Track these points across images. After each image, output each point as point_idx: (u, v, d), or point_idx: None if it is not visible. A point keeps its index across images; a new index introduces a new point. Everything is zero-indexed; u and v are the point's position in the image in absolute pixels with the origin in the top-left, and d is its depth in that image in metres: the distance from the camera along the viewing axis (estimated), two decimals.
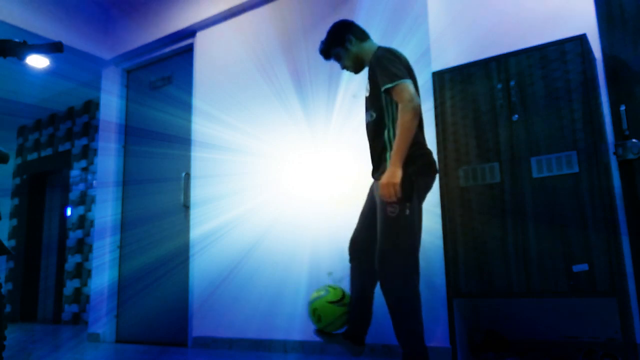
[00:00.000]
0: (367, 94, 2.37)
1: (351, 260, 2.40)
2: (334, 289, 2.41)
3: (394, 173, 2.10)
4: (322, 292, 2.39)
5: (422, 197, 2.25)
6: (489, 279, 2.33)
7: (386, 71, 2.19)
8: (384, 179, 2.11)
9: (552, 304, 2.54)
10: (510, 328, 2.62)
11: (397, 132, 2.13)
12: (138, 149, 4.37)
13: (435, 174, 2.30)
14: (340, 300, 2.37)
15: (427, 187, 2.28)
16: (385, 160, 2.23)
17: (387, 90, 2.17)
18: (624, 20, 2.60)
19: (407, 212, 2.12)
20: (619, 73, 2.57)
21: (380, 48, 2.35)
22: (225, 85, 3.77)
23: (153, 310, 3.96)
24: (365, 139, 2.40)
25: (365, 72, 2.44)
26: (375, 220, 2.24)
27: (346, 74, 3.06)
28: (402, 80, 2.14)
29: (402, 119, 2.11)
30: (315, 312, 2.36)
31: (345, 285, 2.97)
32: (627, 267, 2.37)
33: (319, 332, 2.41)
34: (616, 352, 2.25)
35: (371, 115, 2.33)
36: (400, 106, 2.13)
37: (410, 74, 2.28)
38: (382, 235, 2.14)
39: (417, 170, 2.17)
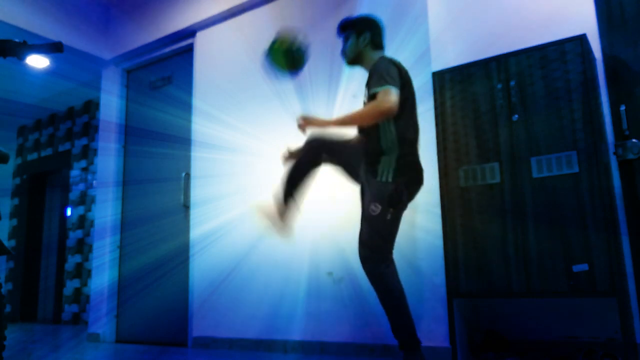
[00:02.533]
0: (365, 100, 2.39)
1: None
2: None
3: (325, 122, 2.36)
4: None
5: (405, 206, 2.31)
6: (489, 279, 2.33)
7: (379, 76, 2.21)
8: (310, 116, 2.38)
9: (552, 304, 2.54)
10: (510, 328, 2.62)
11: (358, 111, 2.24)
12: (138, 149, 4.37)
13: (421, 184, 2.35)
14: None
15: (412, 196, 2.34)
16: (378, 162, 2.25)
17: (374, 95, 2.18)
18: (624, 20, 2.60)
19: (388, 216, 2.21)
20: (619, 73, 2.57)
21: (383, 57, 2.35)
22: (225, 85, 3.77)
23: (153, 310, 3.96)
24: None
25: (365, 74, 2.44)
26: None
27: (346, 73, 3.06)
28: (389, 86, 2.15)
29: (369, 108, 2.18)
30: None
31: (345, 286, 2.99)
32: (627, 267, 2.37)
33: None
34: (616, 352, 2.25)
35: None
36: (377, 101, 2.15)
37: (406, 85, 2.28)
38: (361, 228, 2.28)
39: (407, 181, 2.24)
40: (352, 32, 2.46)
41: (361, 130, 2.40)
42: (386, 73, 2.20)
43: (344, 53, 2.50)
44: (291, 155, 2.57)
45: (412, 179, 2.29)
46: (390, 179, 2.21)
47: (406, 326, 2.21)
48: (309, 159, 2.48)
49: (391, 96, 2.12)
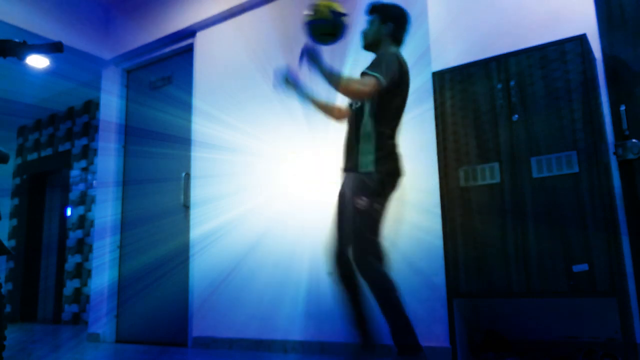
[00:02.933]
0: None
1: (333, 273, 2.40)
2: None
3: (322, 67, 2.25)
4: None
5: (389, 194, 2.30)
6: (489, 279, 2.33)
7: (378, 63, 2.25)
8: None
9: (552, 304, 2.54)
10: (510, 328, 2.62)
11: (343, 78, 2.23)
12: (138, 149, 4.37)
13: (402, 175, 2.35)
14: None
15: (395, 187, 2.33)
16: (357, 152, 2.27)
17: (363, 75, 2.22)
18: (624, 20, 2.60)
19: (376, 206, 2.20)
20: (619, 73, 2.57)
21: (394, 52, 2.35)
22: (225, 85, 3.77)
23: (153, 310, 3.96)
24: None
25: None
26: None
27: (346, 73, 3.05)
28: (379, 76, 2.17)
29: (351, 82, 2.21)
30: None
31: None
32: (627, 267, 2.37)
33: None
34: (616, 352, 2.25)
35: (356, 102, 2.38)
36: (359, 81, 2.20)
37: (402, 85, 2.29)
38: (350, 226, 2.23)
39: (387, 170, 2.25)
40: (378, 17, 2.43)
41: (348, 126, 2.42)
42: (386, 65, 2.23)
43: (363, 34, 2.47)
44: None
45: (393, 170, 2.29)
46: (372, 169, 2.22)
47: (408, 325, 2.17)
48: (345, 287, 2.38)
49: (373, 85, 2.17)
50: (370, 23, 2.46)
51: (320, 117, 3.26)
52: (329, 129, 3.23)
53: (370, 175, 2.22)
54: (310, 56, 2.32)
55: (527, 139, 2.34)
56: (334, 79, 2.24)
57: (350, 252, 2.23)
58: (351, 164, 2.30)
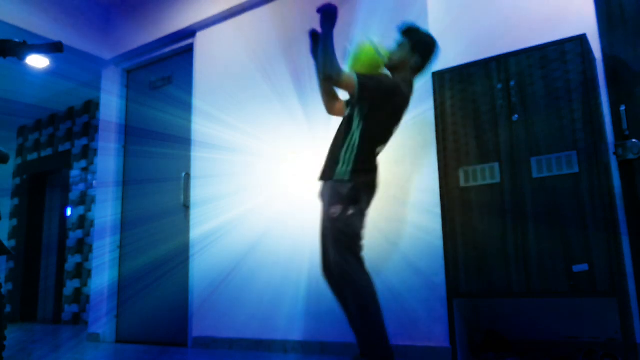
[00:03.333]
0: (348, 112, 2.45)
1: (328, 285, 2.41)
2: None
3: (325, 31, 2.25)
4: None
5: (365, 203, 2.32)
6: (489, 279, 2.33)
7: (372, 75, 2.29)
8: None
9: (552, 304, 2.54)
10: (510, 328, 2.62)
11: (333, 57, 2.22)
12: (138, 149, 4.37)
13: (377, 189, 2.39)
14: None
15: (370, 196, 2.36)
16: (337, 161, 2.30)
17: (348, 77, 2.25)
18: (624, 20, 2.60)
19: (349, 212, 2.22)
20: (619, 73, 2.57)
21: (396, 80, 2.38)
22: (225, 85, 3.77)
23: (153, 310, 3.96)
24: None
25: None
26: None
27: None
28: (357, 80, 2.22)
29: (334, 67, 2.20)
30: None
31: None
32: (627, 267, 2.37)
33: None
34: (616, 352, 2.25)
35: (349, 110, 2.41)
36: (342, 72, 2.22)
37: (387, 100, 2.31)
38: (327, 235, 2.27)
39: (362, 181, 2.27)
40: (408, 44, 2.43)
41: (337, 132, 2.44)
42: (377, 82, 2.29)
43: (389, 54, 2.46)
44: None
45: (369, 182, 2.32)
46: (347, 177, 2.25)
47: (383, 333, 2.15)
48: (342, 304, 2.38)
49: (345, 80, 2.22)
50: (400, 46, 2.45)
51: (320, 118, 3.27)
52: (329, 129, 3.23)
53: (345, 184, 2.24)
54: (326, 17, 2.27)
55: (527, 139, 2.34)
56: (325, 49, 2.23)
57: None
58: (329, 171, 2.33)
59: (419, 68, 2.46)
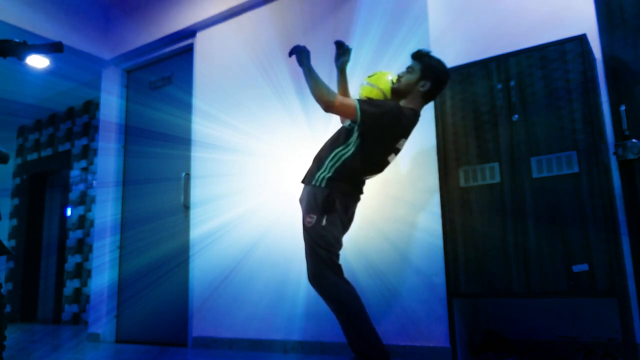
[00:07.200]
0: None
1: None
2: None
3: (307, 65, 2.29)
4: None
5: (342, 212, 2.29)
6: (489, 279, 2.33)
7: (377, 104, 2.27)
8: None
9: (552, 304, 2.54)
10: (510, 328, 2.62)
11: (319, 81, 2.25)
12: (138, 149, 4.37)
13: (356, 200, 2.39)
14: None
15: (348, 205, 2.35)
16: (319, 166, 2.30)
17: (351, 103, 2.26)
18: (624, 20, 2.60)
19: (324, 222, 2.22)
20: (619, 73, 2.57)
21: (404, 105, 2.35)
22: (225, 85, 3.77)
23: (153, 310, 3.96)
24: None
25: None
26: None
27: (346, 73, 3.06)
28: (357, 104, 2.21)
29: (327, 91, 2.23)
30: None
31: None
32: (627, 267, 2.37)
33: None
34: (616, 352, 2.25)
35: (348, 124, 2.36)
36: (338, 96, 2.24)
37: (383, 128, 2.26)
38: (305, 243, 2.28)
39: (338, 191, 2.26)
40: (420, 69, 2.32)
41: (329, 140, 2.43)
42: (382, 105, 2.26)
43: (397, 77, 2.39)
44: None
45: (345, 191, 2.29)
46: (324, 184, 2.24)
47: (373, 337, 2.16)
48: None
49: (344, 106, 2.22)
50: (409, 70, 2.35)
51: (320, 117, 3.27)
52: (329, 129, 3.24)
53: (321, 190, 2.24)
54: (300, 54, 2.34)
55: (527, 139, 2.34)
56: (313, 80, 2.25)
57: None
58: (309, 176, 2.33)
59: (428, 95, 2.35)
